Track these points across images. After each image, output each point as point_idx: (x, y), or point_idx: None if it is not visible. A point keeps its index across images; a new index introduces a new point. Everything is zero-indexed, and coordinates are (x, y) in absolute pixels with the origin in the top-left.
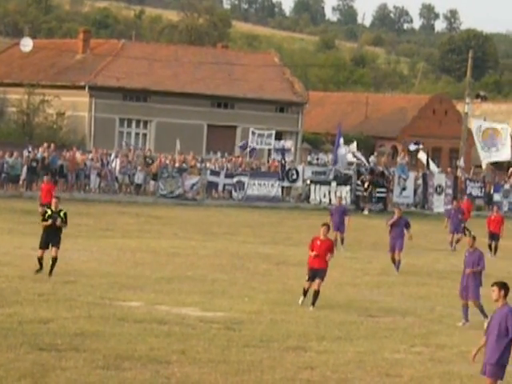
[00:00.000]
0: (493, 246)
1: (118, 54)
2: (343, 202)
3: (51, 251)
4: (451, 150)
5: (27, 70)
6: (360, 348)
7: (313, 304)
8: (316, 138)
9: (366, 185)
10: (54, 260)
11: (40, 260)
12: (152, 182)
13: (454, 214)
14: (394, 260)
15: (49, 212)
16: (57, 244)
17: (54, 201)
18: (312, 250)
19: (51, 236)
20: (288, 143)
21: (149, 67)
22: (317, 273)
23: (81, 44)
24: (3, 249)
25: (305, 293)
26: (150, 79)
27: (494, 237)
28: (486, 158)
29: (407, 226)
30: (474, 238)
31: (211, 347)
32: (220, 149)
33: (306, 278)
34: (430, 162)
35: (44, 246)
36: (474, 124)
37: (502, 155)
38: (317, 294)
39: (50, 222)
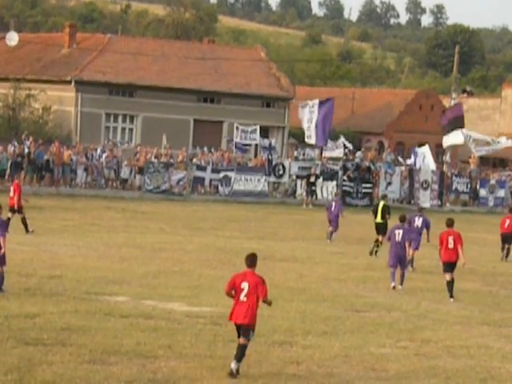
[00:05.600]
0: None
1: (104, 48)
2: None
3: None
4: (437, 146)
5: (13, 64)
6: (346, 343)
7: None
8: (303, 133)
9: (311, 179)
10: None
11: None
12: (138, 177)
13: None
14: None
15: None
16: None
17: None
18: (441, 244)
19: None
20: (273, 141)
21: (135, 62)
22: (453, 265)
23: (67, 38)
24: None
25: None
26: (136, 74)
27: (509, 239)
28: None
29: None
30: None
31: (197, 342)
32: (206, 144)
33: (443, 269)
34: (430, 158)
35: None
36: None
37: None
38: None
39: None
